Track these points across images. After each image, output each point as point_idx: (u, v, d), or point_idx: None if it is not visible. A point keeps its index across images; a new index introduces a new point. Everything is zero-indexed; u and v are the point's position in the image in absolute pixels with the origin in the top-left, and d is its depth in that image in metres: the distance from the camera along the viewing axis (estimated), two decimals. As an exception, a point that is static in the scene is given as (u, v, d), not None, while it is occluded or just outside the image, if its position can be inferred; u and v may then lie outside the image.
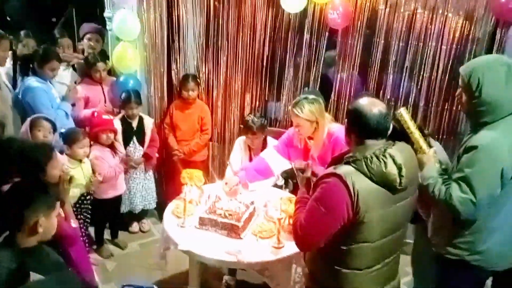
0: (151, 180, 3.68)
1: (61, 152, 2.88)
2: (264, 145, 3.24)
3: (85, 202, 3.10)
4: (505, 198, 1.83)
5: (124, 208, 3.56)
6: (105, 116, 3.18)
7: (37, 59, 3.12)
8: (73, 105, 3.32)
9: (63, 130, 2.93)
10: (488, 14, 2.94)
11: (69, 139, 2.91)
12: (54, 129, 2.80)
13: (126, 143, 3.45)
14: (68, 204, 2.52)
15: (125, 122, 3.47)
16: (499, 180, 1.78)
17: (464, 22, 3.01)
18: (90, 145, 3.08)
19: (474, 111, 1.86)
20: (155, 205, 3.72)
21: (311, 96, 2.69)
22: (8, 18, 5.56)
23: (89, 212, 3.17)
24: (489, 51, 2.99)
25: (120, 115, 3.46)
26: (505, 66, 1.78)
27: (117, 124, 3.38)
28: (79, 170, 2.95)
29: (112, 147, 3.28)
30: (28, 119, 2.75)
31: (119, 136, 3.38)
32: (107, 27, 3.59)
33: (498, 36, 2.93)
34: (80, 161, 2.97)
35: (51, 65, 3.13)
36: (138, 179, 3.57)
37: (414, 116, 3.28)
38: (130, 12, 3.36)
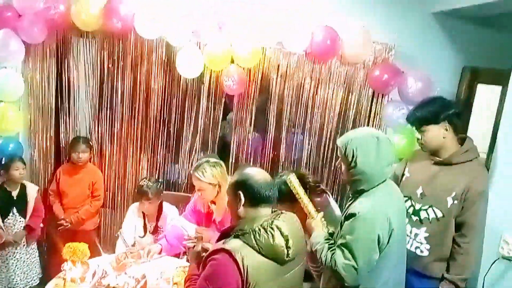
0: (34, 254, 3.26)
1: None
2: (159, 211, 3.12)
3: None
4: (384, 263, 1.93)
5: (-1, 289, 3.08)
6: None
7: None
8: None
9: None
10: (366, 86, 3.29)
11: None
12: None
13: (5, 215, 3.08)
14: None
15: (4, 190, 3.11)
16: (376, 247, 1.88)
17: (346, 92, 3.33)
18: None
19: (351, 180, 2.00)
20: (39, 281, 3.27)
21: (212, 160, 2.68)
22: None
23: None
24: (369, 118, 3.33)
25: None
26: (375, 139, 1.95)
27: None
28: None
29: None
30: None
31: None
32: (-15, 86, 3.28)
33: (374, 106, 3.29)
34: None
35: None
36: (18, 254, 3.14)
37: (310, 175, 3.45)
38: (13, 72, 3.12)
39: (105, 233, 3.66)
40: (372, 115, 3.31)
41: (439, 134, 2.30)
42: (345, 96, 3.35)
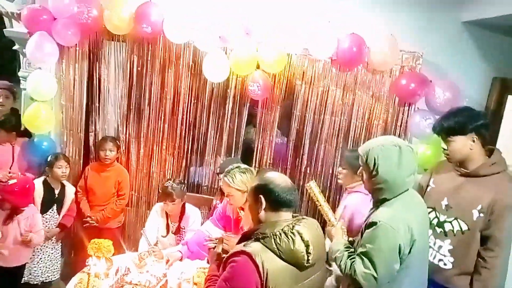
0: (58, 250, 3.37)
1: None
2: (182, 212, 3.17)
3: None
4: (404, 273, 1.90)
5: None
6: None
7: None
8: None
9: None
10: (392, 94, 3.26)
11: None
12: None
13: (45, 210, 3.22)
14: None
15: (48, 187, 3.25)
16: (397, 256, 1.86)
17: (372, 100, 3.30)
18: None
19: (373, 188, 1.99)
20: (58, 276, 3.37)
21: (243, 166, 2.68)
22: None
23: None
24: (395, 127, 3.29)
25: (41, 178, 3.25)
26: (397, 147, 1.93)
27: (38, 188, 3.17)
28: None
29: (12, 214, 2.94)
30: None
31: (37, 202, 3.15)
32: (21, 86, 3.43)
33: (401, 115, 3.25)
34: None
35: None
36: (45, 248, 3.25)
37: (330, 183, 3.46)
38: (47, 73, 3.24)
39: (129, 232, 3.74)
40: (398, 124, 3.27)
41: (466, 145, 2.25)
42: (371, 105, 3.33)
